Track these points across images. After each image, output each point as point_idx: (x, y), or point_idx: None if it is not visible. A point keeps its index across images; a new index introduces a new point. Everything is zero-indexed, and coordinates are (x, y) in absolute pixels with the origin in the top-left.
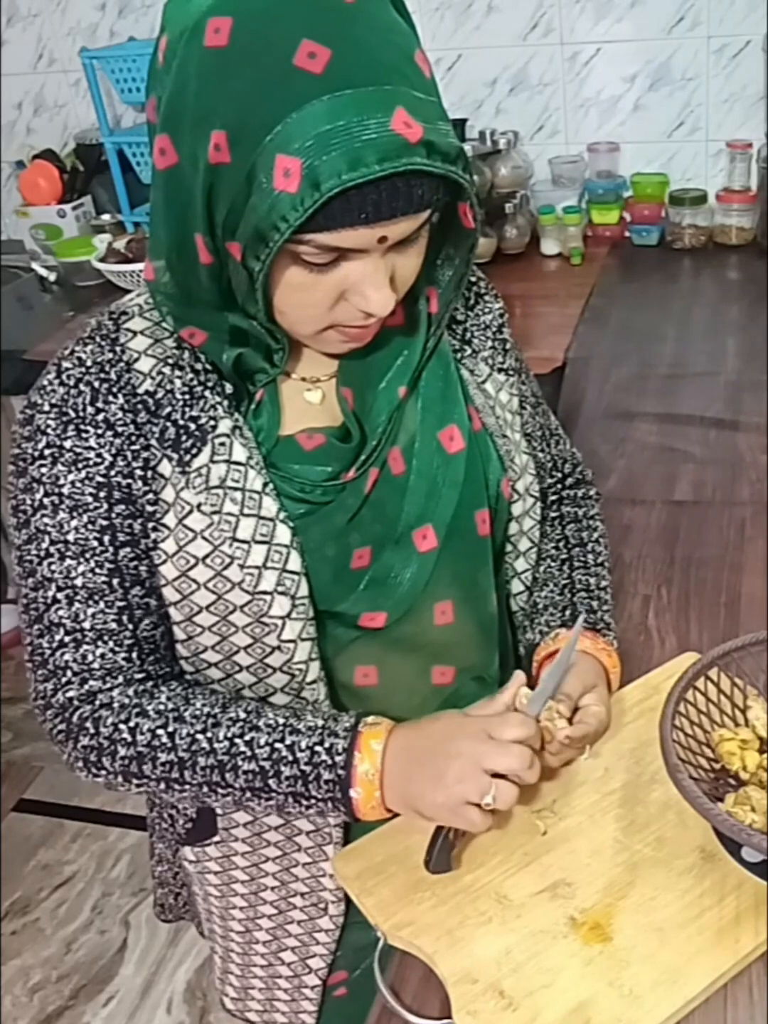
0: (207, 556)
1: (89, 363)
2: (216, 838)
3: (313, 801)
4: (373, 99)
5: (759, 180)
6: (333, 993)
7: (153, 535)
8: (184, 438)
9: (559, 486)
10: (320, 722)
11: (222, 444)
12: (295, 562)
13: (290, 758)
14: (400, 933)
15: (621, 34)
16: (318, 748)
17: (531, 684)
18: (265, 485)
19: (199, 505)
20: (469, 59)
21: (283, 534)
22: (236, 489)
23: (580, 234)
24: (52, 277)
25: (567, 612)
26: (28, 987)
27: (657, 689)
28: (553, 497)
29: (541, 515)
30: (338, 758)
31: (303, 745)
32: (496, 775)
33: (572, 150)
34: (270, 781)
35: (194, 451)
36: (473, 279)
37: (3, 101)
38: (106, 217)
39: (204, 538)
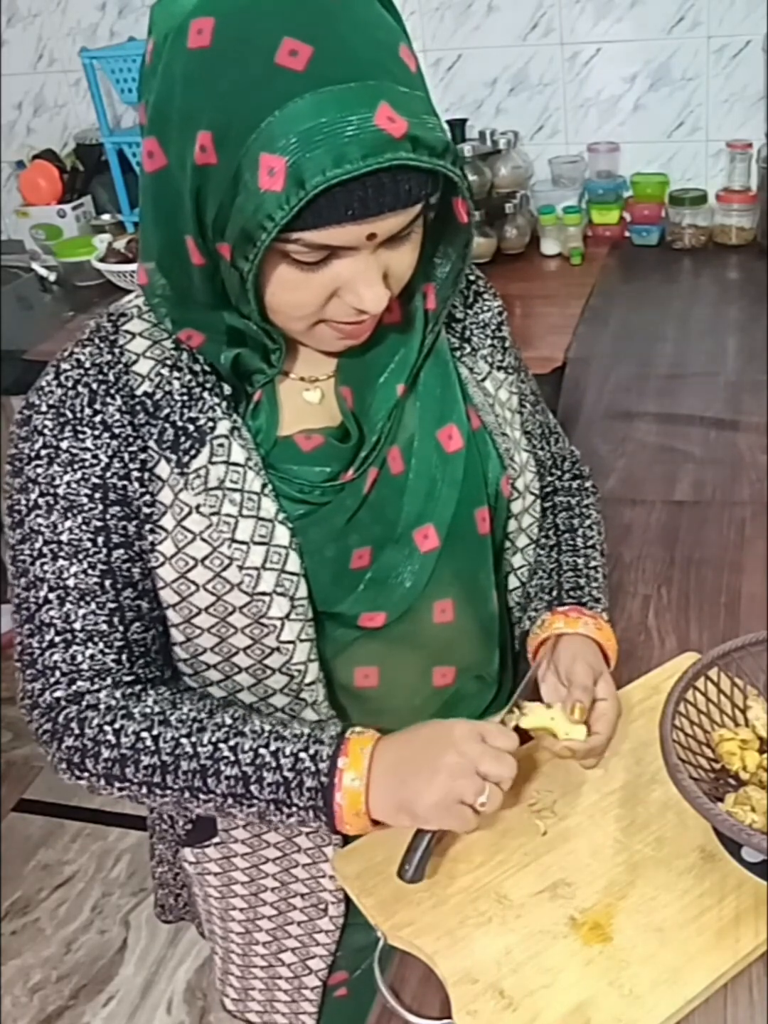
0: (206, 557)
1: (87, 365)
2: (216, 840)
3: (294, 809)
4: (356, 95)
5: (759, 180)
6: (334, 993)
7: (150, 538)
8: (183, 439)
9: (558, 482)
10: (306, 730)
11: (220, 445)
12: (294, 563)
13: (273, 764)
14: (400, 933)
15: (621, 34)
16: (302, 754)
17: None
18: (264, 486)
19: (198, 506)
20: (469, 59)
21: (282, 535)
22: (235, 490)
23: (580, 234)
24: (52, 277)
25: (553, 594)
26: (28, 987)
27: (657, 689)
28: (548, 490)
29: (540, 512)
30: (322, 765)
31: (287, 751)
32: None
33: (572, 150)
34: (252, 787)
35: (193, 452)
36: (471, 277)
37: (3, 101)
38: (106, 217)
39: (203, 539)
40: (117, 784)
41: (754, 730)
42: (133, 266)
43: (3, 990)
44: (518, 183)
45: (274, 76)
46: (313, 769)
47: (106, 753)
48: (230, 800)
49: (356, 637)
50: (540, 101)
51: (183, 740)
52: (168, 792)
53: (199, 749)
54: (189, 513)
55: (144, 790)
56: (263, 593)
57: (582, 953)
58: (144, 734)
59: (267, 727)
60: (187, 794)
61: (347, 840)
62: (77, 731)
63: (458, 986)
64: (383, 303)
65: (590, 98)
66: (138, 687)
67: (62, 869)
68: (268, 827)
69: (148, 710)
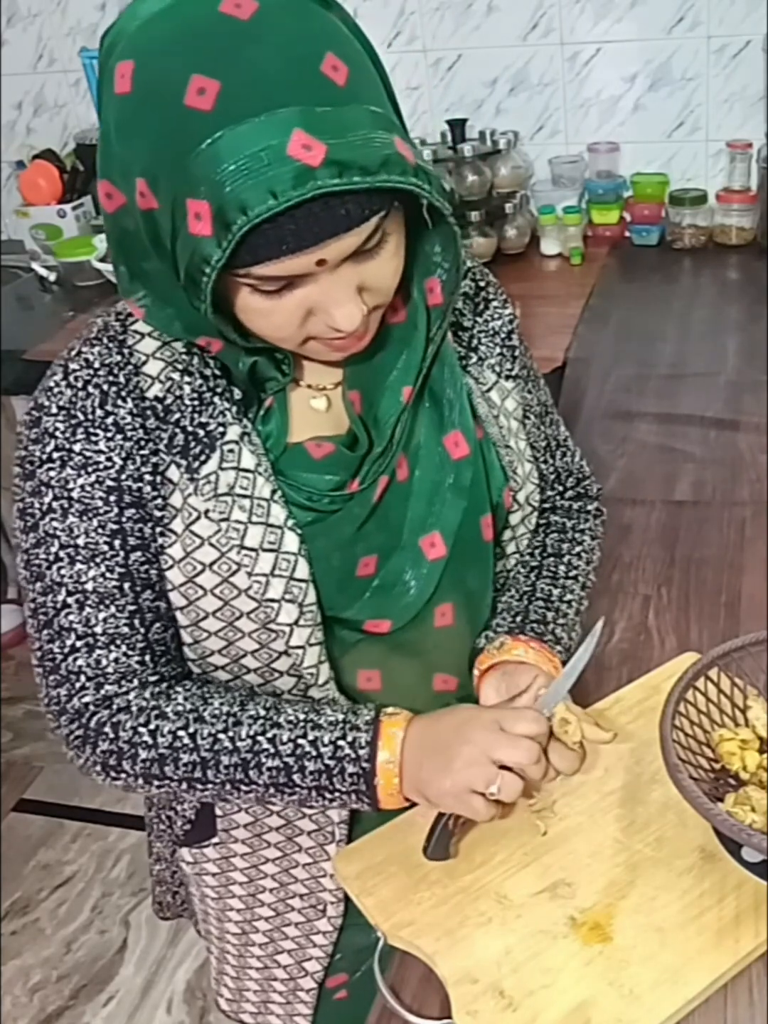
0: (214, 562)
1: (97, 365)
2: (215, 840)
3: (337, 794)
4: (265, 128)
5: (759, 180)
6: (333, 995)
7: (160, 540)
8: (193, 445)
9: (558, 499)
10: (341, 716)
11: (231, 451)
12: (302, 570)
13: (314, 753)
14: (400, 933)
15: (621, 34)
16: (341, 742)
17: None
18: (274, 492)
19: (207, 512)
20: (469, 59)
21: (291, 542)
22: (244, 496)
23: (580, 234)
24: (52, 277)
25: (519, 618)
26: (28, 987)
27: (657, 689)
28: (546, 505)
29: (534, 525)
30: (362, 751)
31: (326, 740)
32: (503, 767)
33: (572, 150)
34: (294, 776)
35: (203, 458)
36: (483, 284)
37: (3, 101)
38: None
39: (211, 545)
40: (155, 782)
41: (754, 730)
42: None
43: (3, 990)
44: (518, 183)
45: (186, 119)
46: (353, 756)
47: (144, 754)
48: (272, 790)
49: (359, 640)
50: (540, 101)
51: (221, 735)
52: (209, 786)
53: (238, 743)
54: (198, 518)
55: (184, 786)
56: (271, 599)
57: (582, 953)
58: (181, 732)
59: (301, 716)
60: (228, 786)
61: (351, 839)
62: (111, 735)
63: (458, 986)
64: (357, 319)
65: (590, 98)
66: (165, 685)
67: (62, 869)
68: (308, 809)
69: (181, 708)
